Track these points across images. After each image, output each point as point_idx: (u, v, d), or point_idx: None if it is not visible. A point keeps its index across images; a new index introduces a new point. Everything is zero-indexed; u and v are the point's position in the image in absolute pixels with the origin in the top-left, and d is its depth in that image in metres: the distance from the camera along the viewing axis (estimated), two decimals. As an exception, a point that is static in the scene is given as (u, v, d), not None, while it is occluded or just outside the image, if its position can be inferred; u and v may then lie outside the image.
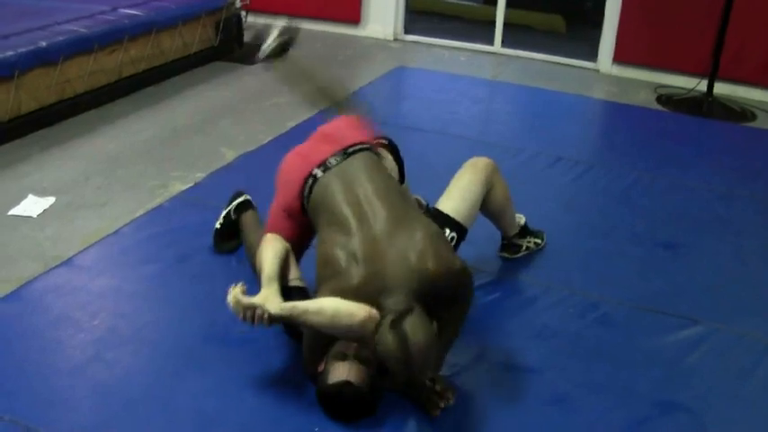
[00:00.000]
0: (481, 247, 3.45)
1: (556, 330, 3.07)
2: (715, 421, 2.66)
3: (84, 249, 3.43)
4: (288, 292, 2.68)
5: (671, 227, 3.96)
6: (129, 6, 5.50)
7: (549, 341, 3.02)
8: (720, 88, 6.01)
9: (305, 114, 5.02)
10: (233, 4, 6.43)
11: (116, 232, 3.59)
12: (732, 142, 5.29)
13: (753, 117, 5.90)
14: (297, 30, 3.59)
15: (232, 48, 6.46)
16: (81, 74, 4.97)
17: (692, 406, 2.71)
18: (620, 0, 6.54)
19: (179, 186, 4.08)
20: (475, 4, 8.83)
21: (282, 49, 3.59)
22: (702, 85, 6.00)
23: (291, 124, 4.96)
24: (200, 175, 4.20)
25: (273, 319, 2.50)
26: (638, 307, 3.23)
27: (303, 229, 2.89)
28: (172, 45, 5.77)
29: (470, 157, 3.25)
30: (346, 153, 2.84)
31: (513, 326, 2.86)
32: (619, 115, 5.83)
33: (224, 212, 3.42)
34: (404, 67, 6.51)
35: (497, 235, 3.48)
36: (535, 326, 3.09)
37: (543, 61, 6.93)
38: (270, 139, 4.74)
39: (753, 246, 3.84)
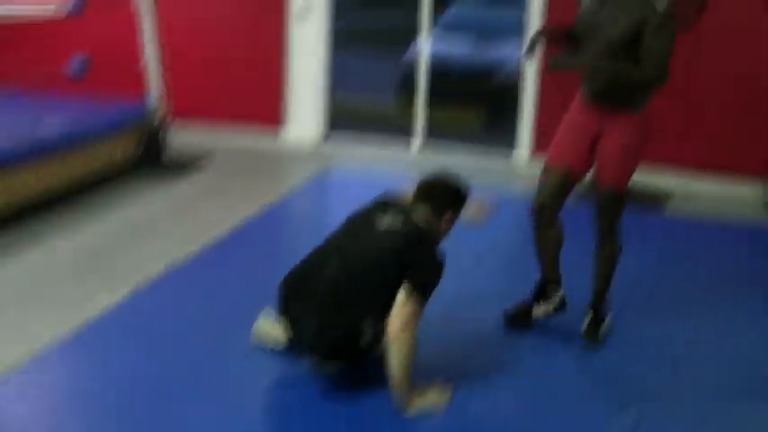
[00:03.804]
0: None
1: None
2: None
3: (3, 374, 3.32)
4: None
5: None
6: (52, 120, 5.50)
7: None
8: (636, 175, 6.19)
9: (229, 223, 5.04)
10: (155, 115, 6.47)
11: (38, 355, 3.49)
12: (647, 227, 5.42)
13: (665, 201, 6.09)
14: None
15: (154, 159, 6.46)
16: (1, 189, 4.92)
17: None
18: (536, 95, 6.77)
19: (104, 303, 3.99)
20: (394, 105, 9.04)
21: None
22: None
23: (217, 233, 4.94)
24: (125, 292, 4.13)
25: None
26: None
27: None
28: (95, 159, 5.77)
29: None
30: None
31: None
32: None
33: None
34: (328, 169, 6.59)
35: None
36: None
37: (464, 157, 7.06)
38: (197, 249, 4.72)
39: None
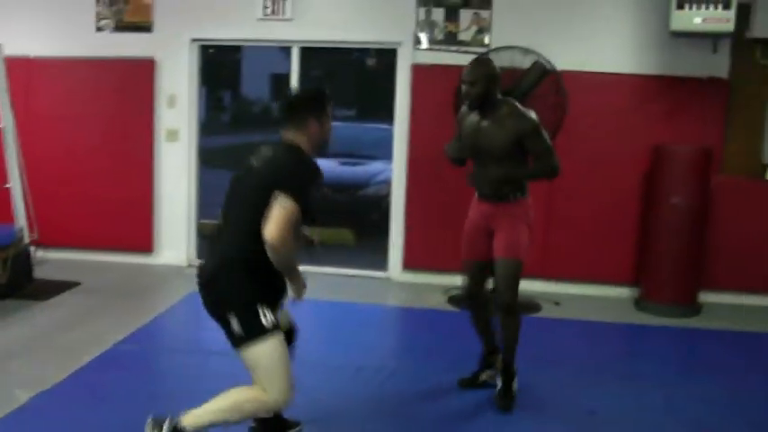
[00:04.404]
0: None
1: None
2: None
3: None
4: None
5: (474, 425, 4.12)
6: None
7: None
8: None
9: (99, 348, 4.92)
10: (21, 239, 6.32)
11: None
12: (528, 331, 5.56)
13: (538, 308, 6.29)
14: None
15: (22, 284, 6.28)
16: None
17: None
18: (404, 211, 6.94)
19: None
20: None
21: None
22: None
23: (87, 359, 4.80)
24: (-12, 422, 3.96)
25: None
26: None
27: None
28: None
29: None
30: None
31: None
32: (413, 319, 6.04)
33: None
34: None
35: None
36: None
37: (336, 275, 7.12)
38: (66, 375, 4.57)
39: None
